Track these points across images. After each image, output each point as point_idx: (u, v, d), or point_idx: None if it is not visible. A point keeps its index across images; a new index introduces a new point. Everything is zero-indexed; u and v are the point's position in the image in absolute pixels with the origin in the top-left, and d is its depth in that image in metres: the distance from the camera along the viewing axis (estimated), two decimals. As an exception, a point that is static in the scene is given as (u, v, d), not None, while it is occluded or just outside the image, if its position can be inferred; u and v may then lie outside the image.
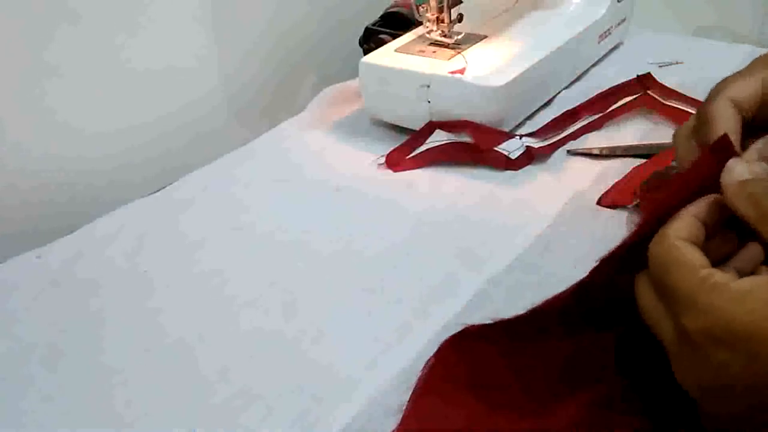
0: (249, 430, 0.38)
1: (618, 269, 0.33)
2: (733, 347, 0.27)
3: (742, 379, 0.27)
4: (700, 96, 0.62)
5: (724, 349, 0.27)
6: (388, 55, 0.65)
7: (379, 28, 0.76)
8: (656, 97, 0.65)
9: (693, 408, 0.31)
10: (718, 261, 0.30)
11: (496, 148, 0.59)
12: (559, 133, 0.62)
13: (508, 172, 0.58)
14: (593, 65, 0.75)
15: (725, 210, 0.30)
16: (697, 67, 0.72)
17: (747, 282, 0.27)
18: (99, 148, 0.65)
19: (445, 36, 0.65)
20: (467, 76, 0.60)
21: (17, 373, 0.42)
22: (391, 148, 0.62)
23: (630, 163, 0.57)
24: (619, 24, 0.76)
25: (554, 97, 0.69)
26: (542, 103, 0.68)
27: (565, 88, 0.70)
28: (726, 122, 0.33)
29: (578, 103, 0.65)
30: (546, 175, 0.58)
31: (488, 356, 0.38)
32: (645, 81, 0.66)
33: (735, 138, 0.33)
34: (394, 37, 0.70)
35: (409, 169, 0.60)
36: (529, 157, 0.59)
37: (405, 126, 0.64)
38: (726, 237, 0.31)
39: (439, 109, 0.61)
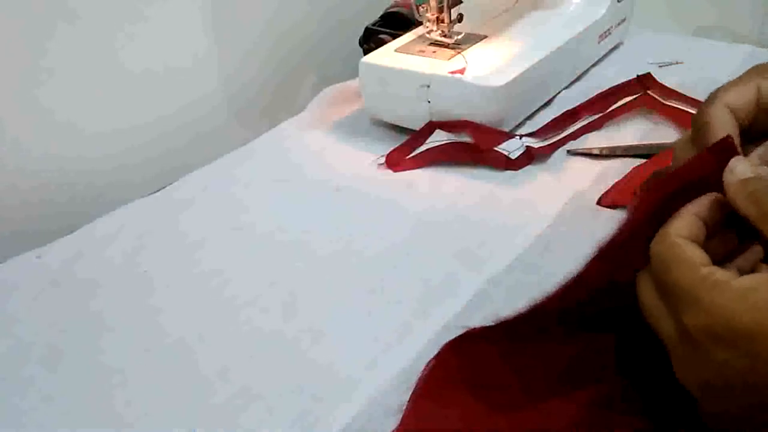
0: (249, 430, 0.38)
1: (612, 265, 0.33)
2: (734, 345, 0.27)
3: (742, 378, 0.27)
4: (700, 96, 0.62)
5: (724, 347, 0.27)
6: (388, 55, 0.65)
7: (379, 28, 0.76)
8: (656, 97, 0.65)
9: (693, 407, 0.31)
10: (718, 260, 0.30)
11: (496, 148, 0.59)
12: (559, 133, 0.62)
13: (508, 172, 0.58)
14: (593, 65, 0.75)
15: (725, 209, 0.30)
16: (697, 67, 0.72)
17: (748, 280, 0.27)
18: (99, 148, 0.65)
19: (445, 36, 0.65)
20: (467, 76, 0.60)
21: (17, 373, 0.42)
22: (391, 148, 0.62)
23: (630, 163, 0.57)
24: (619, 24, 0.76)
25: (554, 97, 0.69)
26: (542, 103, 0.68)
27: (565, 88, 0.70)
28: (724, 127, 0.33)
29: (578, 103, 0.65)
30: (546, 175, 0.58)
31: (488, 356, 0.38)
32: (645, 81, 0.66)
33: (735, 142, 0.33)
34: (394, 37, 0.70)
35: (409, 169, 0.60)
36: (529, 157, 0.59)
37: (405, 126, 0.64)
38: (726, 236, 0.31)
39: (439, 109, 0.61)
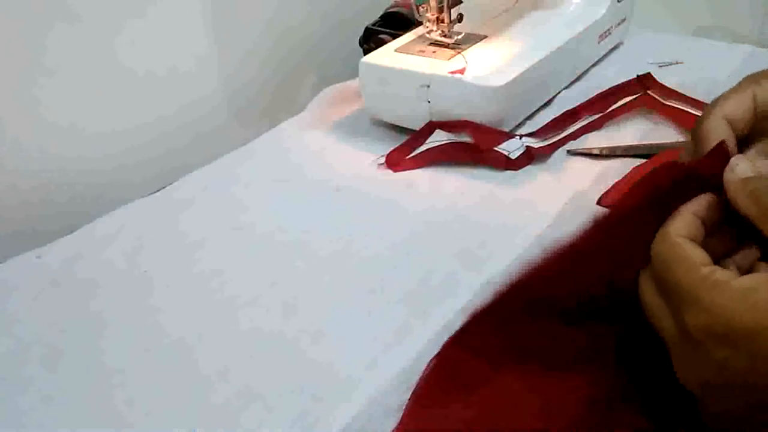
0: (249, 430, 0.38)
1: (604, 237, 0.34)
2: (734, 345, 0.27)
3: (742, 377, 0.27)
4: (700, 96, 0.62)
5: (724, 346, 0.27)
6: (388, 55, 0.65)
7: (379, 28, 0.76)
8: (656, 97, 0.65)
9: (693, 407, 0.31)
10: (716, 259, 0.30)
11: (496, 148, 0.59)
12: (559, 133, 0.62)
13: (508, 172, 0.58)
14: (593, 65, 0.75)
15: (722, 208, 0.31)
16: (697, 67, 0.72)
17: (748, 279, 0.27)
18: (99, 148, 0.65)
19: (445, 36, 0.65)
20: (467, 76, 0.60)
21: (17, 373, 0.42)
22: (391, 148, 0.62)
23: (630, 163, 0.57)
24: (619, 24, 0.76)
25: (554, 97, 0.69)
26: (542, 103, 0.67)
27: (565, 88, 0.70)
28: (719, 138, 0.33)
29: (578, 103, 0.65)
30: (546, 175, 0.58)
31: (488, 356, 0.38)
32: (645, 81, 0.66)
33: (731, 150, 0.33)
34: (394, 37, 0.70)
35: (409, 169, 0.60)
36: (529, 157, 0.59)
37: (405, 126, 0.64)
38: (724, 235, 0.31)
39: (439, 109, 0.61)
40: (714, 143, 0.32)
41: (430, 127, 0.62)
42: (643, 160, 0.57)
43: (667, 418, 0.34)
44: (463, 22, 0.65)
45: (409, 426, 0.36)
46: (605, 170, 0.57)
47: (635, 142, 0.60)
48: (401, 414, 0.37)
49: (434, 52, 0.64)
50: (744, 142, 0.34)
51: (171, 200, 0.58)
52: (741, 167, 0.30)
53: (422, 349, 0.41)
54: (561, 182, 0.57)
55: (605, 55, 0.77)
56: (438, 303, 0.45)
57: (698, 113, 0.54)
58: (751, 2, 0.91)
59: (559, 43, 0.66)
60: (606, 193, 0.54)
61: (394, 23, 0.76)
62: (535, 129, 0.63)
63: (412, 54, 0.64)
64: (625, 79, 0.66)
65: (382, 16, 0.77)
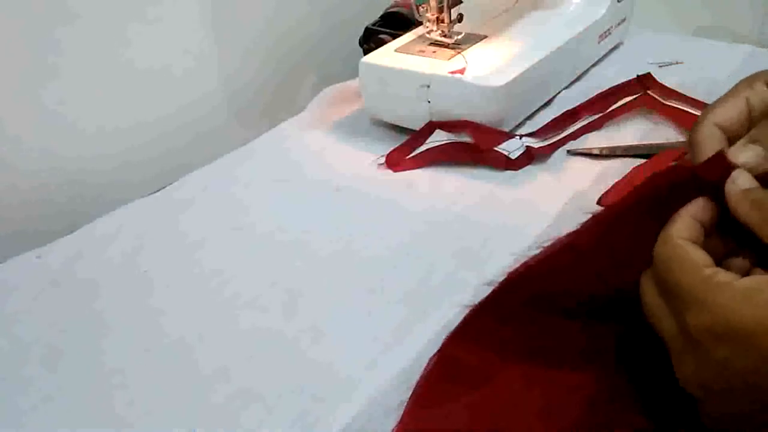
0: (249, 430, 0.38)
1: (601, 235, 0.34)
2: (736, 344, 0.27)
3: (743, 377, 0.27)
4: (700, 96, 0.62)
5: (726, 346, 0.27)
6: (388, 55, 0.65)
7: (379, 28, 0.76)
8: (656, 97, 0.65)
9: (693, 407, 0.31)
10: (716, 260, 0.30)
11: (496, 148, 0.59)
12: (559, 133, 0.62)
13: (508, 172, 0.58)
14: (593, 65, 0.75)
15: (717, 214, 0.31)
16: (697, 67, 0.72)
17: (750, 280, 0.28)
18: (99, 147, 0.65)
19: (445, 36, 0.65)
20: (467, 76, 0.60)
21: (17, 373, 0.42)
22: (391, 148, 0.62)
23: (630, 163, 0.57)
24: (619, 24, 0.76)
25: (554, 97, 0.69)
26: (542, 103, 0.67)
27: (565, 88, 0.70)
28: (712, 146, 0.34)
29: (578, 103, 0.65)
30: (546, 175, 0.58)
31: (488, 355, 0.38)
32: (645, 81, 0.66)
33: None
34: (394, 37, 0.70)
35: (409, 169, 0.60)
36: (529, 157, 0.59)
37: (405, 126, 0.64)
38: (718, 240, 0.32)
39: (439, 109, 0.61)
40: (706, 151, 0.33)
41: (430, 127, 0.62)
42: (643, 160, 0.57)
43: (667, 418, 0.34)
44: (463, 22, 0.65)
45: (409, 425, 0.36)
46: (605, 170, 0.57)
47: (635, 142, 0.60)
48: (401, 413, 0.37)
49: (434, 52, 0.64)
50: None
51: (171, 200, 0.58)
52: (742, 179, 0.30)
53: (422, 349, 0.41)
54: (561, 182, 0.57)
55: (605, 55, 0.77)
56: (438, 303, 0.45)
57: (698, 113, 0.54)
58: (751, 2, 0.91)
59: (559, 43, 0.66)
60: (606, 193, 0.54)
61: (394, 23, 0.76)
62: (535, 129, 0.63)
63: (412, 54, 0.64)
64: (625, 79, 0.66)
65: (382, 16, 0.77)
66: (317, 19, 0.82)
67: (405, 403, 0.37)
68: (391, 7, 0.78)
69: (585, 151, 0.60)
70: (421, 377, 0.38)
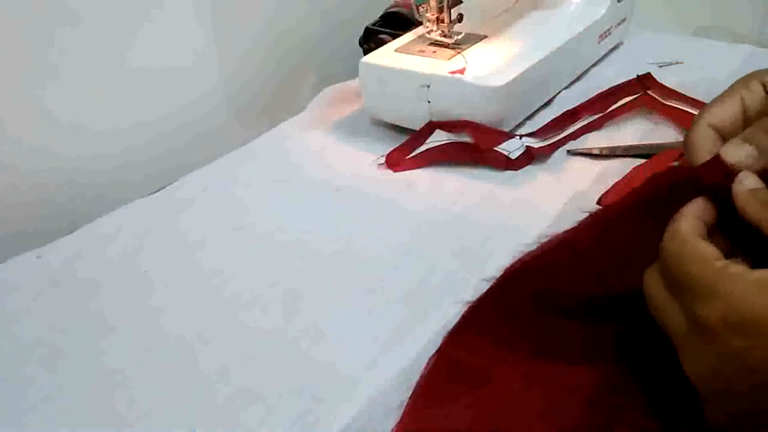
0: (249, 430, 0.38)
1: (599, 234, 0.34)
2: (752, 335, 0.27)
3: (756, 368, 0.27)
4: (700, 96, 0.62)
5: (741, 336, 0.27)
6: (388, 55, 0.65)
7: (379, 28, 0.76)
8: (656, 97, 0.65)
9: (695, 407, 0.31)
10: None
11: (496, 148, 0.59)
12: (559, 133, 0.62)
13: (508, 172, 0.58)
14: (593, 65, 0.75)
15: (715, 214, 0.31)
16: (697, 67, 0.72)
17: (763, 272, 0.28)
18: (99, 147, 0.65)
19: (445, 36, 0.65)
20: (467, 76, 0.60)
21: (17, 373, 0.42)
22: (391, 148, 0.62)
23: (630, 163, 0.57)
24: (619, 24, 0.76)
25: (554, 97, 0.69)
26: (542, 103, 0.67)
27: (565, 88, 0.70)
28: (706, 147, 0.34)
29: (578, 103, 0.65)
30: (546, 175, 0.58)
31: (488, 354, 0.38)
32: (645, 81, 0.66)
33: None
34: (394, 37, 0.70)
35: (409, 169, 0.60)
36: (529, 157, 0.59)
37: (405, 126, 0.64)
38: (718, 240, 0.32)
39: (439, 109, 0.61)
40: (700, 151, 0.33)
41: (430, 127, 0.62)
42: (643, 160, 0.57)
43: (668, 418, 0.34)
44: (463, 22, 0.65)
45: (409, 425, 0.36)
46: (605, 170, 0.57)
47: (635, 142, 0.60)
48: (401, 413, 0.37)
49: (434, 52, 0.64)
50: None
51: (171, 200, 0.58)
52: (749, 180, 0.31)
53: (422, 349, 0.41)
54: (561, 182, 0.57)
55: (605, 55, 0.77)
56: (438, 303, 0.45)
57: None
58: (751, 2, 0.91)
59: (559, 43, 0.66)
60: (606, 193, 0.54)
61: (394, 23, 0.76)
62: (535, 129, 0.63)
63: (412, 54, 0.64)
64: (625, 79, 0.66)
65: (382, 16, 0.77)
66: (317, 19, 0.82)
67: (405, 403, 0.37)
68: (391, 7, 0.78)
69: (585, 151, 0.60)
70: (421, 377, 0.38)
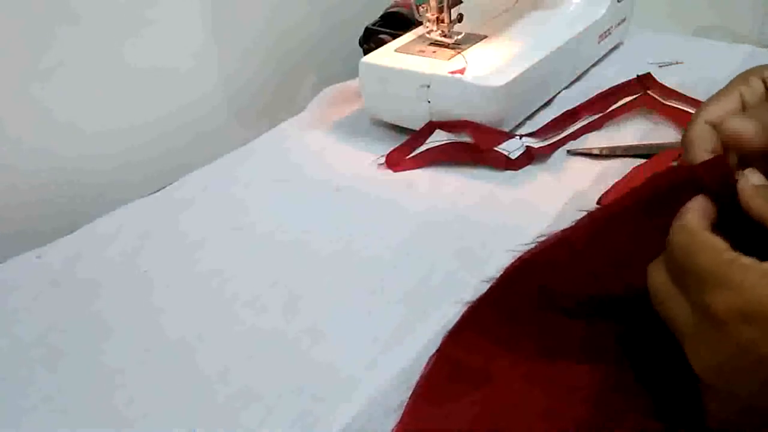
0: (249, 430, 0.38)
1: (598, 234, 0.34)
2: (764, 325, 0.27)
3: (766, 359, 0.27)
4: (701, 96, 0.62)
5: (754, 327, 0.27)
6: (388, 55, 0.65)
7: (379, 28, 0.76)
8: (656, 97, 0.65)
9: (696, 407, 0.31)
10: None
11: (496, 148, 0.59)
12: (559, 133, 0.62)
13: (508, 172, 0.58)
14: (593, 65, 0.75)
15: (716, 213, 0.31)
16: (697, 67, 0.72)
17: None
18: (99, 147, 0.65)
19: (445, 36, 0.65)
20: (467, 76, 0.60)
21: (17, 373, 0.42)
22: (391, 148, 0.62)
23: (630, 163, 0.57)
24: (619, 24, 0.76)
25: (554, 97, 0.69)
26: (542, 103, 0.68)
27: (565, 88, 0.70)
28: (704, 145, 0.34)
29: (578, 103, 0.65)
30: (546, 175, 0.58)
31: (488, 353, 0.38)
32: (645, 81, 0.66)
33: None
34: (394, 37, 0.70)
35: (409, 169, 0.60)
36: (529, 157, 0.59)
37: (405, 126, 0.64)
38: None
39: (439, 109, 0.61)
40: (698, 150, 0.33)
41: (430, 127, 0.62)
42: (643, 160, 0.57)
43: (669, 418, 0.34)
44: (463, 22, 0.65)
45: (409, 425, 0.36)
46: (605, 170, 0.57)
47: (635, 142, 0.60)
48: (401, 413, 0.37)
49: (434, 52, 0.64)
50: None
51: (171, 200, 0.58)
52: (754, 178, 0.31)
53: (422, 349, 0.41)
54: (561, 182, 0.57)
55: (605, 55, 0.77)
56: (438, 303, 0.45)
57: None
58: (751, 2, 0.91)
59: (559, 43, 0.66)
60: (606, 193, 0.54)
61: (394, 23, 0.76)
62: (535, 129, 0.63)
63: (412, 54, 0.64)
64: (625, 79, 0.66)
65: (382, 16, 0.77)
66: (317, 19, 0.82)
67: (405, 403, 0.37)
68: (391, 7, 0.78)
69: (585, 151, 0.60)
70: (421, 377, 0.38)
